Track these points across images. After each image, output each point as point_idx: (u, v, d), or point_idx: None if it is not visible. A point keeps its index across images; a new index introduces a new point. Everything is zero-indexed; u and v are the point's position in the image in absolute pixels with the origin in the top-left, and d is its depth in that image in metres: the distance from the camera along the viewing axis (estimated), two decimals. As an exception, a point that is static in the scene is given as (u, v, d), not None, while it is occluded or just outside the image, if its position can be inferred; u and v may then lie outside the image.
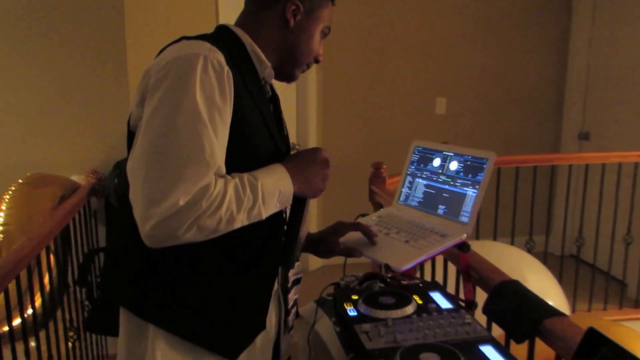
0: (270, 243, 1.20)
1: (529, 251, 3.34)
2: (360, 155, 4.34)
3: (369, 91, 4.45)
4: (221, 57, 1.07)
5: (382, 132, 4.48)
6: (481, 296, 1.39)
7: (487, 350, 1.04)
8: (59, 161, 2.92)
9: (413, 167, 1.54)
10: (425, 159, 1.51)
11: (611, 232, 3.53)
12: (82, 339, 2.57)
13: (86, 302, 2.64)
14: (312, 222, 4.31)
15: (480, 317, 1.29)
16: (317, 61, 1.30)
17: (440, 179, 1.44)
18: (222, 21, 3.17)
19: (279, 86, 1.37)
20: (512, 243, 3.38)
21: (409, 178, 1.54)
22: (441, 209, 1.41)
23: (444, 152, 1.45)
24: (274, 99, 1.31)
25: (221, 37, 1.18)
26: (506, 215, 3.45)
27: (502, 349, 1.04)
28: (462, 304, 1.31)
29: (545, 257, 3.39)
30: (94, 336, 2.79)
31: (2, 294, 1.66)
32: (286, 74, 1.29)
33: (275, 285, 1.25)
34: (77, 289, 2.58)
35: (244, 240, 1.13)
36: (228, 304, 1.15)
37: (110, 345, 2.98)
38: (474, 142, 4.47)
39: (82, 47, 2.88)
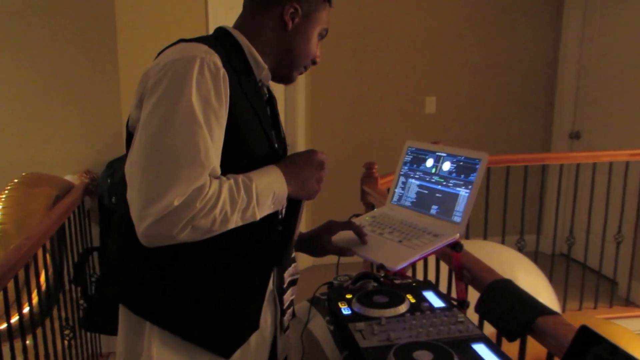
0: (265, 244, 1.21)
1: (520, 250, 3.36)
2: (350, 155, 4.34)
3: (359, 90, 4.45)
4: (217, 60, 1.08)
5: (372, 131, 4.49)
6: (473, 295, 1.41)
7: (480, 348, 1.06)
8: (52, 161, 2.93)
9: (406, 168, 1.56)
10: (418, 159, 1.53)
11: (602, 231, 3.56)
12: (78, 337, 2.59)
13: (81, 301, 2.66)
14: (303, 222, 4.31)
15: (473, 316, 1.32)
16: (314, 63, 1.32)
17: (433, 179, 1.46)
18: (211, 23, 3.23)
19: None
20: (502, 242, 3.40)
21: (402, 178, 1.56)
22: (434, 209, 1.43)
23: (437, 153, 1.48)
24: (271, 101, 1.32)
25: (219, 40, 1.19)
26: (497, 215, 3.47)
27: (494, 347, 1.06)
28: (455, 303, 1.33)
29: (536, 256, 3.41)
30: (88, 334, 2.80)
31: (1, 292, 1.68)
32: (284, 76, 1.30)
33: (271, 286, 1.26)
34: (73, 287, 2.60)
35: (238, 241, 1.14)
36: (222, 304, 1.17)
37: (105, 344, 2.99)
38: (464, 142, 4.48)
39: (75, 47, 2.90)
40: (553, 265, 3.50)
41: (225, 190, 1.04)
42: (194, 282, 1.15)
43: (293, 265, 1.34)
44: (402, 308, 1.24)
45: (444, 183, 1.42)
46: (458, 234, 1.33)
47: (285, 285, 1.30)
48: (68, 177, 2.87)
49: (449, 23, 4.44)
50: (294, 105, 4.20)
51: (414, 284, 1.44)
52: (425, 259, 2.19)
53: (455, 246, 1.35)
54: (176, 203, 0.98)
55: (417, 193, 1.50)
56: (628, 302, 3.69)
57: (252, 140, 1.16)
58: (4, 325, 1.83)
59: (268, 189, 1.12)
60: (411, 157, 1.56)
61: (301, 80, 4.15)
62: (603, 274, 3.71)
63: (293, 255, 1.35)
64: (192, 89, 1.03)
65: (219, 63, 1.08)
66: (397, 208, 1.55)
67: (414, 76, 4.48)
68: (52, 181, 2.76)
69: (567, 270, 3.52)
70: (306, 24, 1.24)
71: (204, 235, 1.05)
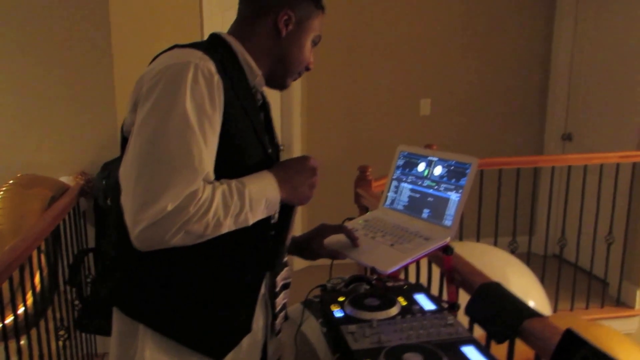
0: (257, 248, 1.22)
1: (513, 252, 3.39)
2: (345, 157, 4.35)
3: (353, 93, 4.46)
4: (212, 66, 1.09)
5: (367, 133, 4.50)
6: (465, 298, 1.44)
7: (469, 350, 1.08)
8: (48, 162, 2.94)
9: (399, 172, 1.58)
10: (410, 163, 1.55)
11: (593, 232, 3.59)
12: (72, 338, 2.60)
13: (76, 302, 2.67)
14: (297, 225, 4.33)
15: (463, 319, 1.34)
16: (308, 69, 1.33)
17: (425, 183, 1.48)
18: (206, 27, 3.24)
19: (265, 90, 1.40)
20: (495, 244, 3.43)
21: (394, 182, 1.58)
22: (426, 213, 1.45)
23: (429, 157, 1.50)
24: (265, 106, 1.33)
25: (213, 46, 1.20)
26: (490, 217, 3.49)
27: (483, 349, 1.09)
28: (446, 306, 1.36)
29: (528, 258, 3.45)
30: (84, 335, 2.81)
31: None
32: (278, 82, 1.31)
33: (263, 290, 1.27)
34: (68, 288, 2.61)
35: (231, 245, 1.16)
36: (214, 307, 1.18)
37: (100, 344, 3.00)
38: (459, 143, 4.50)
39: (70, 50, 2.90)
40: (545, 266, 3.53)
41: (219, 195, 1.06)
42: (186, 285, 1.16)
43: (286, 269, 1.35)
44: (394, 311, 1.26)
45: (436, 187, 1.44)
46: (449, 238, 1.35)
47: (277, 289, 1.31)
48: (63, 179, 2.88)
49: (444, 26, 4.46)
50: (290, 108, 4.21)
51: (405, 287, 1.46)
52: (417, 262, 2.22)
53: (446, 250, 1.37)
54: (170, 208, 0.99)
55: (409, 197, 1.52)
56: (619, 303, 3.73)
57: (246, 145, 1.18)
58: (-1, 326, 1.84)
59: (261, 195, 1.13)
60: (403, 161, 1.58)
61: (297, 83, 4.16)
62: (594, 275, 3.75)
63: (286, 259, 1.37)
64: (186, 95, 1.04)
65: (213, 69, 1.09)
66: (389, 212, 1.56)
67: (408, 78, 4.50)
68: (47, 182, 2.77)
69: (559, 271, 3.55)
70: (300, 31, 1.25)
71: (196, 240, 1.06)
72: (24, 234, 2.05)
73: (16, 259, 1.85)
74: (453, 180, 1.40)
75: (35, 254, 2.17)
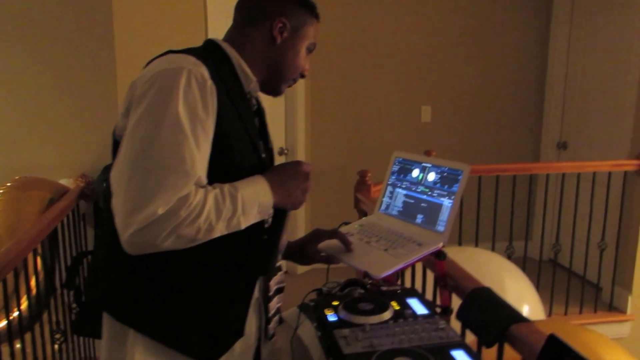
0: (250, 252, 1.22)
1: (510, 256, 3.43)
2: (348, 162, 4.39)
3: (357, 99, 4.53)
4: (205, 71, 1.10)
5: (370, 139, 4.56)
6: (459, 303, 1.45)
7: (458, 354, 1.10)
8: (48, 165, 2.94)
9: (394, 177, 1.60)
10: (405, 169, 1.57)
11: (586, 238, 3.64)
12: (70, 341, 2.59)
13: (74, 305, 2.67)
14: (300, 229, 4.35)
15: (456, 323, 1.36)
16: (302, 76, 1.34)
17: (419, 189, 1.49)
18: (210, 29, 3.24)
19: (268, 96, 1.41)
20: (493, 248, 3.47)
21: (389, 188, 1.60)
22: (419, 218, 1.46)
23: (423, 164, 1.51)
24: (260, 112, 1.34)
25: (208, 51, 1.21)
26: (488, 222, 3.54)
27: (472, 354, 1.10)
28: (439, 310, 1.37)
29: (524, 262, 3.48)
30: (81, 338, 2.81)
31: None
32: (272, 89, 1.32)
33: (256, 294, 1.27)
34: (66, 291, 2.61)
35: (224, 249, 1.16)
36: (207, 311, 1.18)
37: (98, 348, 3.00)
38: (459, 150, 4.58)
39: (72, 52, 2.91)
40: (541, 271, 3.56)
41: (211, 199, 1.06)
42: (178, 289, 1.16)
43: (280, 273, 1.36)
44: (386, 315, 1.27)
45: (429, 193, 1.46)
46: (441, 243, 1.37)
47: (271, 294, 1.32)
48: (63, 181, 2.88)
49: (445, 38, 4.55)
50: (294, 113, 4.26)
51: (399, 291, 1.48)
52: (413, 266, 2.23)
53: (439, 255, 1.39)
54: (160, 212, 0.99)
55: (404, 202, 1.54)
56: (611, 307, 3.77)
57: (240, 150, 1.18)
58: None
59: (254, 199, 1.14)
60: (398, 167, 1.59)
61: (301, 89, 4.22)
62: (588, 280, 3.78)
63: (280, 263, 1.38)
64: (178, 100, 1.05)
65: (206, 74, 1.10)
66: (384, 217, 1.58)
67: (410, 86, 4.58)
68: (45, 185, 2.77)
69: (553, 276, 3.59)
70: (294, 39, 1.27)
71: (188, 244, 1.06)
72: (18, 237, 2.03)
73: (9, 262, 1.83)
74: (446, 187, 1.41)
75: (30, 257, 2.16)
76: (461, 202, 3.28)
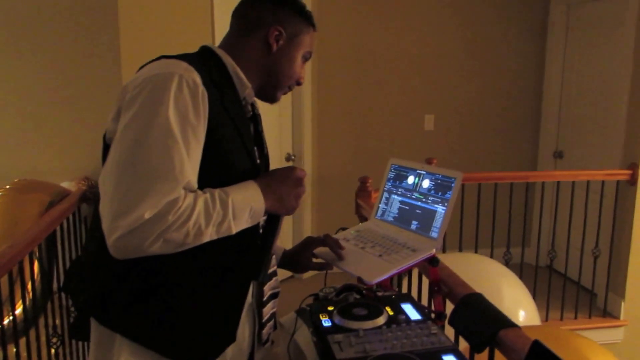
0: (243, 257, 1.22)
1: (507, 262, 3.48)
2: (352, 168, 4.42)
3: (362, 108, 4.61)
4: (197, 77, 1.10)
5: (374, 146, 4.64)
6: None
7: (449, 359, 1.11)
8: (50, 168, 2.95)
9: (390, 184, 1.61)
10: (400, 176, 1.58)
11: (581, 245, 3.68)
12: (67, 345, 2.59)
13: (72, 309, 2.67)
14: (306, 234, 4.36)
15: (451, 329, 1.37)
16: (298, 84, 1.35)
17: (414, 195, 1.51)
18: (217, 29, 3.24)
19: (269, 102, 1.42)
20: (491, 254, 3.51)
21: (385, 194, 1.61)
22: (414, 225, 1.48)
23: (417, 171, 1.53)
24: (255, 118, 1.34)
25: (202, 57, 1.21)
26: (487, 229, 3.59)
27: (463, 359, 1.12)
28: (433, 315, 1.38)
29: (521, 268, 3.51)
30: (79, 343, 2.79)
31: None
32: (268, 95, 1.33)
33: (250, 299, 1.27)
34: (65, 295, 2.61)
35: (215, 254, 1.15)
36: (197, 316, 1.17)
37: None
38: (460, 158, 4.68)
39: (76, 56, 2.92)
40: (537, 276, 3.59)
41: (200, 203, 1.06)
42: (168, 294, 1.15)
43: (274, 279, 1.36)
44: (380, 320, 1.27)
45: (424, 200, 1.47)
46: (434, 249, 1.38)
47: (265, 299, 1.32)
48: (65, 184, 2.88)
49: (447, 50, 4.64)
50: (301, 118, 4.31)
51: (393, 297, 1.49)
52: (409, 272, 2.25)
53: (432, 261, 1.40)
54: (147, 216, 0.99)
55: (399, 209, 1.55)
56: (606, 313, 3.81)
57: (233, 156, 1.18)
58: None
59: (245, 204, 1.13)
60: (394, 174, 1.61)
61: (307, 94, 4.28)
62: (583, 286, 3.81)
63: (274, 269, 1.38)
64: (169, 105, 1.05)
65: (198, 80, 1.10)
66: (380, 223, 1.59)
67: (414, 95, 4.66)
68: (45, 187, 2.78)
69: (549, 281, 3.63)
70: (290, 47, 1.27)
71: (177, 248, 1.06)
72: (14, 240, 2.00)
73: (4, 265, 1.81)
74: (439, 194, 1.43)
75: (27, 260, 2.13)
76: (461, 208, 3.36)
